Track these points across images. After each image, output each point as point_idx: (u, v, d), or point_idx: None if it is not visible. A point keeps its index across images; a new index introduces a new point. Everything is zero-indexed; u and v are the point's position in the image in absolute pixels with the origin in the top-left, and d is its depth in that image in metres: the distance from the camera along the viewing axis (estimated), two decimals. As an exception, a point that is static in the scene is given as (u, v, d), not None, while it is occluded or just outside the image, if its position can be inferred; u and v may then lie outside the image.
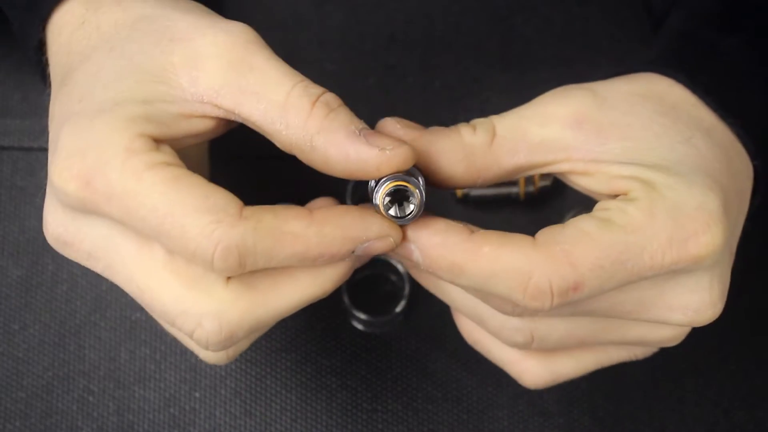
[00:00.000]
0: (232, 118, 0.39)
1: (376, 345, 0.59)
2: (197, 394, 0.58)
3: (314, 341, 0.59)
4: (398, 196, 0.38)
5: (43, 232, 0.61)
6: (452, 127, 0.41)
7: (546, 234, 0.37)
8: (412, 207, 0.38)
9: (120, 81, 0.38)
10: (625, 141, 0.40)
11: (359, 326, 0.59)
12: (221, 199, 0.35)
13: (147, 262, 0.37)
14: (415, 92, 0.64)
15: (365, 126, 0.38)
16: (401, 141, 0.38)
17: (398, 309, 0.58)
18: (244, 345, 0.42)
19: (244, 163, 0.60)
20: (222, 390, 0.58)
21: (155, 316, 0.39)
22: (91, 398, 0.58)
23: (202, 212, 0.34)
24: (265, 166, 0.61)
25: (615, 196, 0.39)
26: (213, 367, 0.58)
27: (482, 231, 0.38)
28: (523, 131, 0.41)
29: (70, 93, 0.39)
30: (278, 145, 0.39)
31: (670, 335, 0.42)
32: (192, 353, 0.59)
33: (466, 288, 0.39)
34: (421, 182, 0.39)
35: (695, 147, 0.41)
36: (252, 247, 0.35)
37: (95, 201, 0.35)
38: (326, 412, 0.58)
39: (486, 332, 0.44)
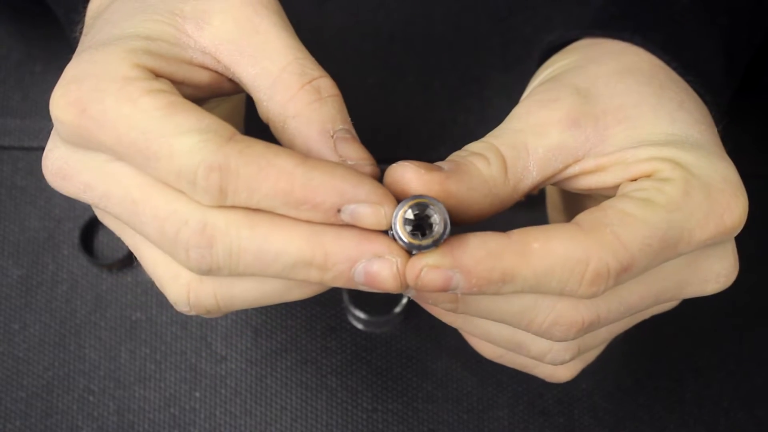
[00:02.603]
0: (229, 75, 0.39)
1: (376, 345, 0.59)
2: (197, 394, 0.58)
3: (314, 341, 0.59)
4: (419, 224, 0.35)
5: (43, 232, 0.61)
6: (467, 162, 0.39)
7: (588, 218, 0.36)
8: (435, 227, 0.35)
9: (128, 20, 0.38)
10: (624, 123, 0.40)
11: (359, 326, 0.59)
12: (214, 123, 0.34)
13: (145, 179, 0.36)
14: (415, 92, 0.64)
15: (346, 127, 0.37)
16: (368, 159, 0.36)
17: (398, 309, 0.58)
18: (206, 294, 0.38)
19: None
20: (222, 390, 0.58)
21: (145, 228, 0.37)
22: (91, 398, 0.58)
23: (193, 132, 0.34)
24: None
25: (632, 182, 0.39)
26: (213, 367, 0.58)
27: (516, 230, 0.36)
28: (525, 147, 0.39)
29: (84, 39, 0.40)
30: (259, 114, 0.38)
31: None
32: (192, 353, 0.59)
33: (512, 292, 0.36)
34: (442, 206, 0.36)
35: (689, 112, 0.41)
36: (235, 169, 0.33)
37: (89, 128, 0.35)
38: (326, 411, 0.58)
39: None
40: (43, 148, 0.62)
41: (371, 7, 0.66)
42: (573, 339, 0.38)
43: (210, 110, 0.41)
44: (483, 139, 0.40)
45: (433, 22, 0.66)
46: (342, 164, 0.35)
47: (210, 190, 0.34)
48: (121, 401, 0.58)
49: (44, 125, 0.63)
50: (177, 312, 0.59)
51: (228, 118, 0.47)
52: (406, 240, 0.35)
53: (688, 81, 0.43)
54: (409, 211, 0.35)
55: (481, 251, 0.35)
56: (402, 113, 0.64)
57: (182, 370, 0.58)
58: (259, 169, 0.34)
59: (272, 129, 0.38)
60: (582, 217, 0.37)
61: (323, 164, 0.35)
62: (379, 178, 0.37)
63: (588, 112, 0.40)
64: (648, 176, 0.38)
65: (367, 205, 0.34)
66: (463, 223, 0.38)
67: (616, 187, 0.40)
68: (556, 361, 0.41)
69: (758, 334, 0.60)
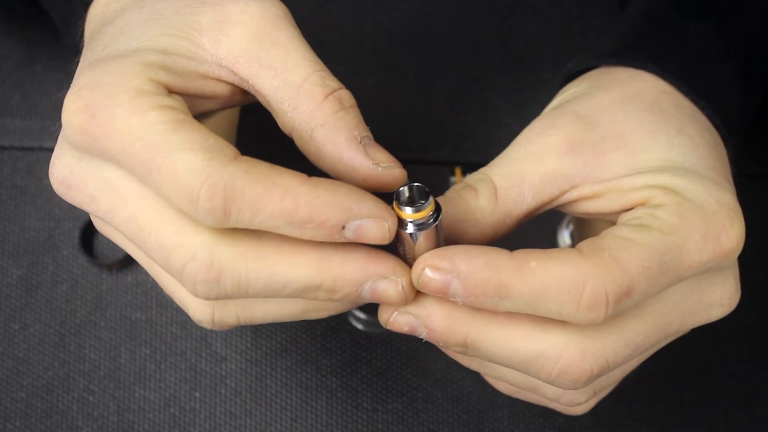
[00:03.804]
0: (246, 87, 0.39)
1: (376, 345, 0.59)
2: (197, 394, 0.58)
3: (314, 341, 0.59)
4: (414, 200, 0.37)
5: (43, 232, 0.61)
6: (456, 196, 0.40)
7: (588, 244, 0.37)
8: (424, 202, 0.37)
9: (144, 32, 0.38)
10: (622, 150, 0.40)
11: (359, 326, 0.59)
12: (219, 142, 0.34)
13: (151, 202, 0.36)
14: (415, 92, 0.64)
15: (369, 135, 0.38)
16: (396, 161, 0.37)
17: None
18: (229, 315, 0.40)
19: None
20: (222, 390, 0.58)
21: (151, 255, 0.37)
22: (91, 398, 0.58)
23: (197, 150, 0.34)
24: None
25: (628, 210, 0.39)
26: (213, 367, 0.58)
27: (518, 250, 0.37)
28: (521, 174, 0.40)
29: (96, 45, 0.39)
30: (280, 125, 0.38)
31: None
32: (192, 353, 0.59)
33: (510, 309, 0.37)
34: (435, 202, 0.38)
35: (689, 137, 0.41)
36: (240, 190, 0.33)
37: (96, 136, 0.35)
38: (326, 411, 0.58)
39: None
40: (43, 148, 0.63)
41: (371, 7, 0.66)
42: (583, 387, 0.38)
43: (207, 118, 0.41)
44: (480, 169, 0.41)
45: (433, 22, 0.66)
46: (344, 182, 0.36)
47: (213, 210, 0.34)
48: (121, 401, 0.58)
49: (44, 125, 0.63)
50: (177, 312, 0.59)
51: (224, 126, 0.47)
52: (408, 209, 0.37)
53: (701, 106, 0.43)
54: (406, 189, 0.37)
55: (480, 261, 0.36)
56: (402, 113, 0.64)
57: (182, 370, 0.58)
58: (264, 188, 0.34)
59: (297, 139, 0.38)
60: (582, 244, 0.37)
61: (326, 182, 0.35)
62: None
63: (586, 139, 0.40)
64: (643, 204, 0.39)
65: (371, 220, 0.35)
66: None
67: (615, 213, 0.40)
68: (572, 404, 0.42)
69: (758, 334, 0.60)
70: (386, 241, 0.36)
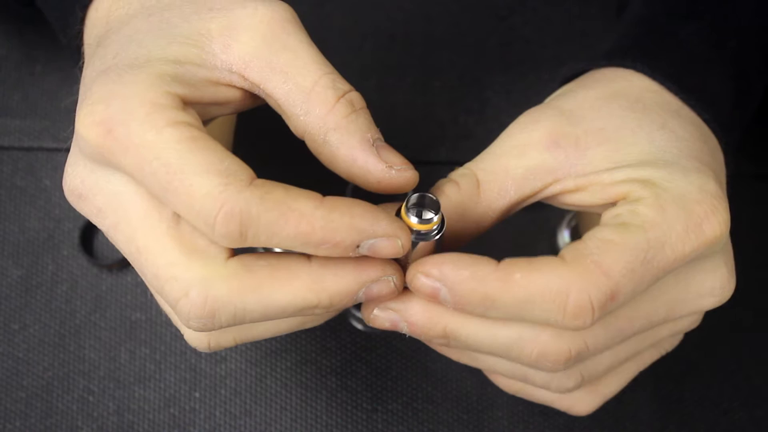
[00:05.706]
0: (257, 92, 0.39)
1: (376, 345, 0.59)
2: (197, 394, 0.58)
3: (314, 341, 0.59)
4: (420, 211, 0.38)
5: (43, 232, 0.61)
6: (437, 189, 0.41)
7: (571, 251, 0.37)
8: (432, 216, 0.37)
9: (154, 40, 0.38)
10: (604, 145, 0.40)
11: (359, 326, 0.59)
12: (234, 164, 0.35)
13: (152, 224, 0.36)
14: (415, 92, 0.64)
15: (380, 136, 0.38)
16: (409, 164, 0.38)
17: (398, 309, 0.58)
18: (226, 340, 0.41)
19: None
20: (222, 390, 0.58)
21: (146, 280, 0.38)
22: (91, 398, 0.58)
23: (213, 174, 0.34)
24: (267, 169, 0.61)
25: (612, 204, 0.39)
26: (213, 367, 0.58)
27: (507, 259, 0.37)
28: (504, 168, 0.41)
29: (105, 52, 0.39)
30: (292, 128, 0.39)
31: (695, 318, 0.42)
32: (192, 353, 0.59)
33: (498, 317, 0.38)
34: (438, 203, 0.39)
35: (672, 131, 0.41)
36: (255, 216, 0.34)
37: (113, 150, 0.35)
38: (326, 412, 0.58)
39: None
40: (43, 149, 0.63)
41: (371, 7, 0.66)
42: (564, 369, 0.39)
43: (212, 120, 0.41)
44: (466, 164, 0.42)
45: (433, 22, 0.66)
46: (359, 202, 0.36)
47: (230, 235, 0.34)
48: (121, 401, 0.58)
49: (44, 125, 0.63)
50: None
51: (222, 130, 0.47)
52: (415, 219, 0.38)
53: (690, 105, 0.44)
54: (418, 196, 0.38)
55: (466, 272, 0.36)
56: (402, 113, 0.64)
57: (182, 370, 0.58)
58: (280, 214, 0.34)
59: (310, 142, 0.38)
60: (566, 251, 0.37)
61: (341, 204, 0.35)
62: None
63: (569, 133, 0.41)
64: (624, 198, 0.39)
65: (385, 239, 0.36)
66: (447, 249, 0.40)
67: (597, 206, 0.40)
68: (561, 390, 0.42)
69: (758, 334, 0.60)
70: (399, 256, 0.37)
